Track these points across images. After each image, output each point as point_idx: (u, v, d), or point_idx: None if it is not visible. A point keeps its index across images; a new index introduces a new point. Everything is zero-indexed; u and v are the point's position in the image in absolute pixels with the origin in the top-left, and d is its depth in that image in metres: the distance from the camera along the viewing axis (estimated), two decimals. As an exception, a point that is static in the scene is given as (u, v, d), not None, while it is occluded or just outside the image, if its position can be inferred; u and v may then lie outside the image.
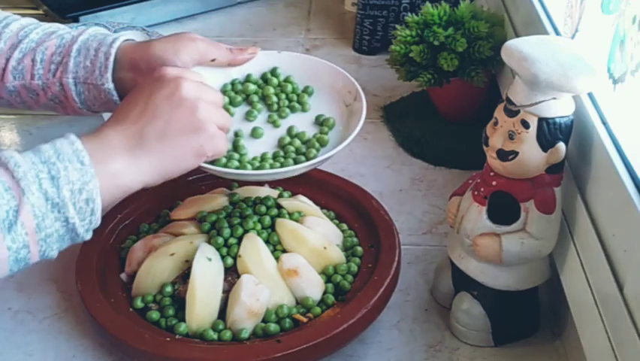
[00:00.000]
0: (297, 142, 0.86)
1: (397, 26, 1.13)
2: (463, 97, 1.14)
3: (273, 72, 0.91)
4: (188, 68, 0.85)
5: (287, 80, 0.91)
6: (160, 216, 0.95)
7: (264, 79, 0.91)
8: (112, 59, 0.86)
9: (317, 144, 0.85)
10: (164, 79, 0.77)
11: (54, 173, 0.69)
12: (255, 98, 0.90)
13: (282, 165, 0.83)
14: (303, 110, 0.90)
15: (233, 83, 0.90)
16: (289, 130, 0.87)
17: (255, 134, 0.87)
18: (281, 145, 0.86)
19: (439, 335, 0.85)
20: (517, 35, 1.03)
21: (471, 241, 0.79)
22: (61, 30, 0.90)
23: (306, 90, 0.90)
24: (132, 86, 0.84)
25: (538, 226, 0.76)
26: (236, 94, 0.90)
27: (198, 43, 0.86)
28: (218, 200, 0.91)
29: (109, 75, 0.85)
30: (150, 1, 1.44)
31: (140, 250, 0.87)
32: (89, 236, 0.72)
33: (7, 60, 0.87)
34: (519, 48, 0.73)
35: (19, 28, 0.89)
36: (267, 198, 0.90)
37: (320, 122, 0.88)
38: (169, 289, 0.82)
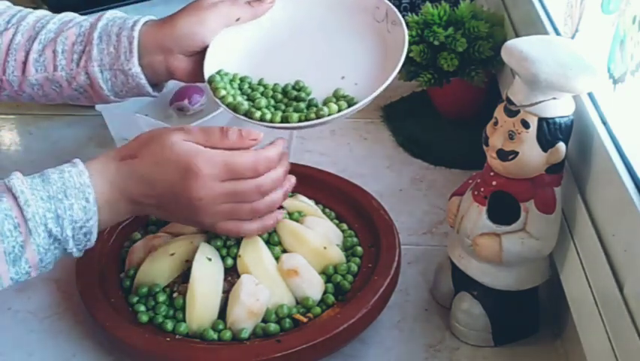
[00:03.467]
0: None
1: (397, 26, 1.13)
2: (463, 97, 1.14)
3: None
4: (216, 34, 0.85)
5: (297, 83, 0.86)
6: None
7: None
8: (135, 43, 0.85)
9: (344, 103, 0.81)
10: (193, 172, 0.74)
11: (60, 212, 0.71)
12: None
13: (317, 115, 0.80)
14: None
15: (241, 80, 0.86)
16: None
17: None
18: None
19: (439, 335, 0.85)
20: (517, 35, 1.03)
21: (471, 241, 0.79)
22: (78, 18, 0.89)
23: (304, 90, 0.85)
24: (165, 70, 0.86)
25: (538, 225, 0.76)
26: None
27: (220, 7, 0.86)
28: (218, 200, 0.91)
29: (135, 60, 0.85)
30: (150, 1, 1.43)
31: (140, 250, 0.87)
32: (80, 254, 0.76)
33: (27, 53, 0.86)
34: (519, 48, 0.73)
35: (35, 20, 0.88)
36: (267, 198, 0.90)
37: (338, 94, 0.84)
38: (166, 290, 0.83)
